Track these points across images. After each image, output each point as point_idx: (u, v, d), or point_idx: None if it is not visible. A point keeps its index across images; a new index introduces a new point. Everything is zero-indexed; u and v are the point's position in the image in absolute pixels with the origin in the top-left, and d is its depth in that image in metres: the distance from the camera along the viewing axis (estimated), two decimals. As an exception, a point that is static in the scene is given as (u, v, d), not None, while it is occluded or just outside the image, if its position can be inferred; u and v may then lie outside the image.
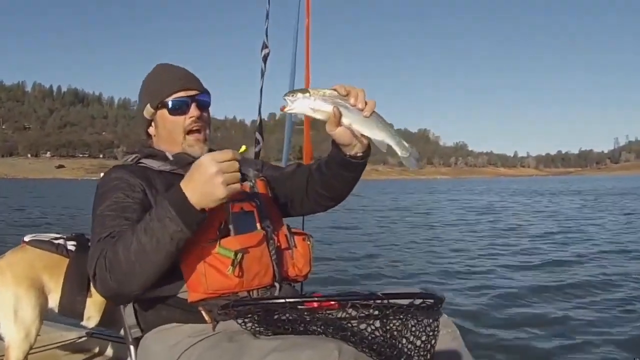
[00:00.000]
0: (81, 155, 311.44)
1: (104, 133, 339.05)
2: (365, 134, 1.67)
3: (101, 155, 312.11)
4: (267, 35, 3.35)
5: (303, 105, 1.60)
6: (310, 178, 1.99)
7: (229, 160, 1.52)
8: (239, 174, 1.54)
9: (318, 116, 1.63)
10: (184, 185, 1.55)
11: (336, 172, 1.88)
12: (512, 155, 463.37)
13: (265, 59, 3.34)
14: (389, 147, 1.66)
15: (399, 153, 1.67)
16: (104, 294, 1.62)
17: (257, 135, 3.46)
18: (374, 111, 1.65)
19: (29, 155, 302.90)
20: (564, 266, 8.98)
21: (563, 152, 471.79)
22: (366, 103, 1.64)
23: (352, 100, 1.62)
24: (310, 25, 3.22)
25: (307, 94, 1.60)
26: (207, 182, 1.50)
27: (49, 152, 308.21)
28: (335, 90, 1.62)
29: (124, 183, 1.79)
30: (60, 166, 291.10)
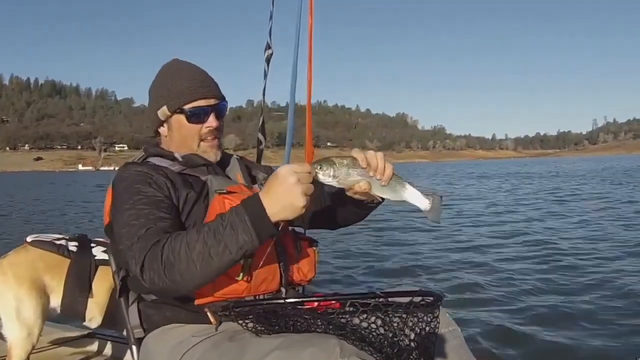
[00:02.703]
0: (59, 147, 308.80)
1: (82, 124, 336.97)
2: (385, 196, 1.70)
3: (79, 147, 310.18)
4: (270, 36, 3.29)
5: (326, 177, 1.61)
6: (323, 205, 2.02)
7: (306, 172, 1.51)
8: (312, 186, 1.51)
9: (341, 186, 1.65)
10: (263, 196, 1.50)
11: (351, 209, 1.92)
12: (490, 137, 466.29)
13: (268, 60, 3.29)
14: (409, 203, 1.70)
15: (421, 208, 1.69)
16: (150, 287, 1.54)
17: (260, 135, 3.32)
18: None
19: (7, 149, 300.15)
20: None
21: (541, 134, 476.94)
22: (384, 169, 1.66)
23: (371, 173, 1.64)
24: (313, 24, 3.16)
25: (330, 170, 1.60)
26: (288, 192, 1.47)
27: (27, 145, 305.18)
28: (354, 158, 1.64)
29: (149, 178, 1.76)
30: (39, 158, 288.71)
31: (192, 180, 1.83)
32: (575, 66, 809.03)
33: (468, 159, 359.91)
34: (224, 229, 1.49)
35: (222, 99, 1.94)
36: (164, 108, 1.90)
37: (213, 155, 1.92)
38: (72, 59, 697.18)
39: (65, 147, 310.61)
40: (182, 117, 1.88)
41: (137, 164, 1.87)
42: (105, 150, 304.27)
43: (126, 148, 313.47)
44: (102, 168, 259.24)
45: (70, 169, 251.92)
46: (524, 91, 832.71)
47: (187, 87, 1.87)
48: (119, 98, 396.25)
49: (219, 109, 1.92)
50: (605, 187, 25.55)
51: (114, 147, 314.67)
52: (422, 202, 1.69)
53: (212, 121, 1.89)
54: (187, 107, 1.87)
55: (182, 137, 1.90)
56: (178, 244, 1.51)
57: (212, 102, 1.90)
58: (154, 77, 1.99)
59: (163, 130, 1.96)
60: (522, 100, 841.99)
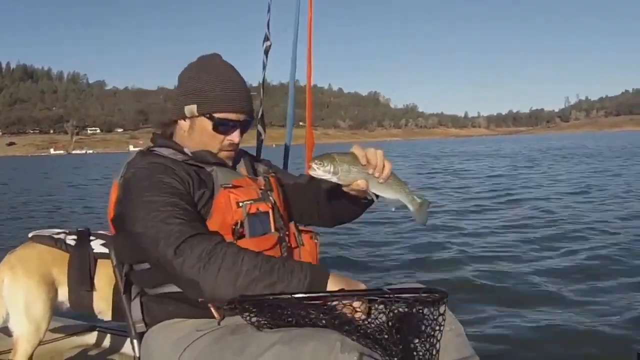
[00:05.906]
0: (32, 132, 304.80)
1: (54, 108, 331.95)
2: (380, 194, 1.72)
3: (51, 131, 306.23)
4: (268, 28, 3.24)
5: (326, 174, 1.64)
6: (321, 202, 2.04)
7: None
8: None
9: (340, 182, 1.67)
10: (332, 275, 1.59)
11: (346, 206, 1.96)
12: (463, 115, 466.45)
13: (266, 52, 3.23)
14: (401, 202, 1.73)
15: (411, 209, 1.74)
16: (177, 268, 1.55)
17: (259, 128, 3.26)
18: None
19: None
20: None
21: (514, 111, 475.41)
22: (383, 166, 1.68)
23: (370, 171, 1.66)
24: (313, 15, 3.13)
25: (331, 166, 1.63)
26: None
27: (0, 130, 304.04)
28: (354, 155, 1.66)
29: (169, 170, 1.74)
30: (11, 143, 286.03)
31: (199, 172, 1.81)
32: (548, 44, 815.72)
33: (440, 137, 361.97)
34: (283, 268, 1.55)
35: (251, 115, 1.92)
36: (194, 107, 1.84)
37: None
38: (44, 42, 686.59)
39: (37, 131, 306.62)
40: (208, 123, 1.84)
41: (151, 155, 1.84)
42: (77, 134, 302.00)
43: (98, 131, 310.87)
44: (74, 152, 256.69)
45: (42, 154, 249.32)
46: (496, 69, 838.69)
47: (223, 94, 1.83)
48: (90, 81, 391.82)
49: (245, 126, 1.91)
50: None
51: (87, 130, 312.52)
52: (413, 204, 1.75)
53: (235, 136, 1.87)
54: (217, 115, 1.83)
55: (203, 142, 1.87)
56: (235, 251, 1.56)
57: (241, 117, 1.86)
58: (184, 68, 1.94)
59: (184, 124, 1.90)
60: (494, 79, 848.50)
